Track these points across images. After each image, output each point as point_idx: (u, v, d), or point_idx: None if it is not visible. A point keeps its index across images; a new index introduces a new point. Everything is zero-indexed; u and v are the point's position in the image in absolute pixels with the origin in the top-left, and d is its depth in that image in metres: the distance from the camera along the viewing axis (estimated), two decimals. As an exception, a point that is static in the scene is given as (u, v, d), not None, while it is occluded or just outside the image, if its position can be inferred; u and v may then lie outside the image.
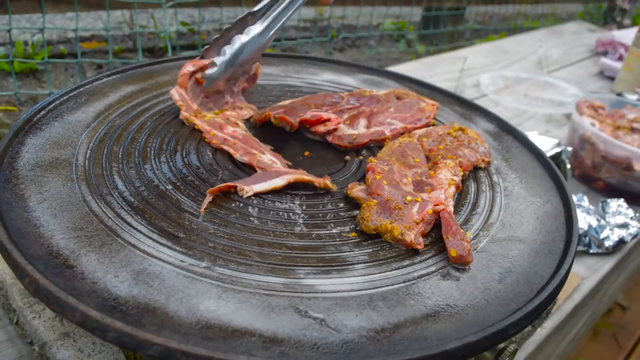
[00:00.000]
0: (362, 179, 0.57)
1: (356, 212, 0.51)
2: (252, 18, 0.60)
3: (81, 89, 0.65)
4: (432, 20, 2.08)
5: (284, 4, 0.60)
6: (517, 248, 0.49)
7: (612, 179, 0.88)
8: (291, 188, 0.53)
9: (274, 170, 0.54)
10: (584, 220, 0.77)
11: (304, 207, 0.51)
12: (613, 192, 0.89)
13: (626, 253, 0.80)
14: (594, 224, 0.77)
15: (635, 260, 0.92)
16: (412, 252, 0.46)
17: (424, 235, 0.48)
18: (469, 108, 0.78)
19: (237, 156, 0.57)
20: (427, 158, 0.60)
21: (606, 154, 0.87)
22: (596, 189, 0.92)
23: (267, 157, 0.57)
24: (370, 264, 0.44)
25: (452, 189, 0.53)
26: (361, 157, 0.62)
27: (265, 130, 0.65)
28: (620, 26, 2.45)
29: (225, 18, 1.63)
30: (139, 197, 0.48)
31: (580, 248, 0.77)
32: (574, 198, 0.79)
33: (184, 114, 0.63)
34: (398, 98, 0.72)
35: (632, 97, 1.15)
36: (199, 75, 0.64)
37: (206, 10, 1.79)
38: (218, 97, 0.67)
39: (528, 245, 0.50)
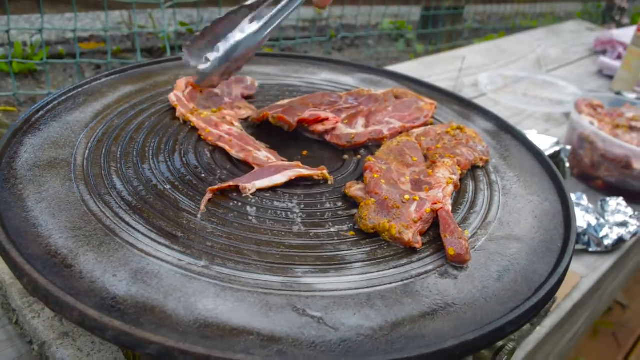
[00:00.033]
0: (360, 178, 0.57)
1: (354, 211, 0.51)
2: (246, 11, 0.59)
3: (79, 89, 0.65)
4: (430, 19, 2.09)
5: (282, 4, 0.60)
6: (515, 246, 0.49)
7: (611, 177, 0.88)
8: (289, 186, 0.53)
9: (272, 166, 0.54)
10: (583, 218, 0.77)
11: (302, 206, 0.51)
12: (612, 190, 0.89)
13: (625, 251, 0.80)
14: (593, 222, 0.77)
15: (634, 259, 0.92)
16: (410, 250, 0.47)
17: (422, 234, 0.49)
18: (467, 107, 0.78)
19: (233, 153, 0.57)
20: (425, 157, 0.60)
21: (605, 152, 0.87)
22: (595, 187, 0.92)
23: (262, 153, 0.57)
24: (368, 262, 0.44)
25: (450, 188, 0.53)
26: (359, 156, 0.62)
27: (264, 130, 0.65)
28: (619, 25, 2.45)
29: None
30: (137, 197, 0.49)
31: (579, 247, 0.77)
32: (573, 197, 0.79)
33: (180, 110, 0.63)
34: (396, 97, 0.72)
35: (631, 96, 1.14)
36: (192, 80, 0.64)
37: (205, 10, 1.79)
38: (216, 99, 0.68)
39: (526, 244, 0.50)
